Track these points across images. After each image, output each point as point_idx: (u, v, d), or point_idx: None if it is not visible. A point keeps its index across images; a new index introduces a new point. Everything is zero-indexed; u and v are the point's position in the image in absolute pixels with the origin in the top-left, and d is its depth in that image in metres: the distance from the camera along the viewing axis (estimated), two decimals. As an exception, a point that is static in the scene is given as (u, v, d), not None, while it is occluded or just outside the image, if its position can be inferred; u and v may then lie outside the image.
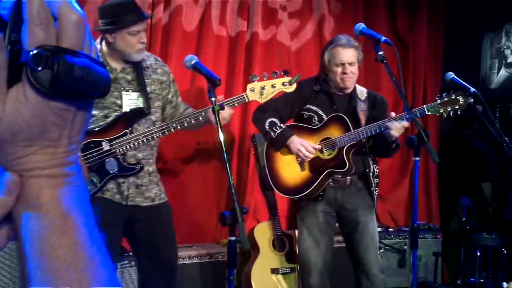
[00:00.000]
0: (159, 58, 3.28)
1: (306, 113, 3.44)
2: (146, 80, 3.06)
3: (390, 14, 5.57)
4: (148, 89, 3.05)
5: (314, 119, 3.41)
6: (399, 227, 5.34)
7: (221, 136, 2.47)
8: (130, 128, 2.94)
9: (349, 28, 3.60)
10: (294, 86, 3.02)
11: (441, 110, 3.22)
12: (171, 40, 4.35)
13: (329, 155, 3.40)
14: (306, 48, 5.08)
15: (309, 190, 3.37)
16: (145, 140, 2.93)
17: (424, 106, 3.27)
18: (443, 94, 3.24)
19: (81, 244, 0.57)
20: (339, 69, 3.32)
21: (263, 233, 4.21)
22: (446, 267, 5.43)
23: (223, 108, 3.17)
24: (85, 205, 0.60)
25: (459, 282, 5.10)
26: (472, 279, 5.01)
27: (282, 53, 4.97)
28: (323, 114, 3.41)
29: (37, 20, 0.54)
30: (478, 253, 4.89)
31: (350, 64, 3.31)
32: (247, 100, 3.00)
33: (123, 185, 2.99)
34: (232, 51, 4.68)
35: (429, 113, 3.25)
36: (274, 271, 4.12)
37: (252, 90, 2.96)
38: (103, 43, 2.99)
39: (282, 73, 3.01)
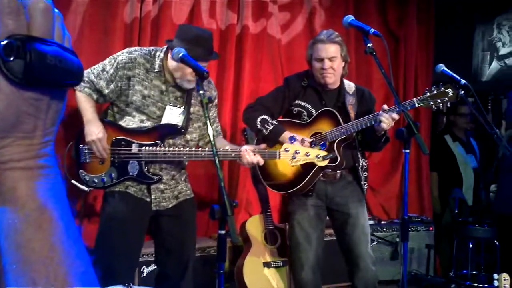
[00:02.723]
0: (212, 81, 3.31)
1: (296, 108, 3.43)
2: (192, 101, 3.13)
3: (381, 7, 5.57)
4: (192, 109, 3.13)
5: (304, 115, 3.40)
6: (391, 220, 5.36)
7: (210, 131, 2.45)
8: (162, 141, 3.00)
9: (340, 21, 3.58)
10: (326, 162, 3.08)
11: (431, 103, 3.23)
12: (161, 33, 4.32)
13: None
14: (296, 41, 5.08)
15: (300, 185, 3.36)
16: (171, 156, 2.98)
17: (414, 99, 3.28)
18: (433, 87, 3.26)
19: (58, 238, 0.57)
20: (319, 65, 3.32)
21: (255, 226, 4.21)
22: (438, 259, 5.45)
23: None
24: (61, 197, 0.60)
25: (451, 274, 5.12)
26: (464, 271, 5.03)
27: (273, 46, 4.96)
28: (312, 109, 3.40)
29: (7, 10, 0.53)
30: (471, 245, 4.91)
31: (330, 59, 3.30)
32: (278, 158, 3.07)
33: (143, 186, 3.06)
34: (222, 44, 4.66)
35: (419, 105, 3.26)
36: (266, 264, 4.12)
37: (286, 151, 3.02)
38: (168, 55, 3.03)
39: (320, 145, 3.14)
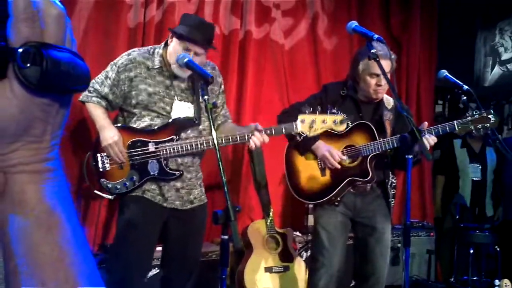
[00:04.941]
0: (216, 67, 3.31)
1: None
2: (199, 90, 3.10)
3: (384, 13, 5.58)
4: (201, 99, 3.06)
5: None
6: (392, 225, 5.33)
7: (214, 135, 2.45)
8: (177, 135, 2.99)
9: (342, 26, 3.59)
10: (344, 126, 2.99)
11: (471, 127, 3.17)
12: (164, 38, 4.28)
13: (351, 162, 3.33)
14: (299, 46, 5.08)
15: (328, 196, 3.31)
16: (189, 148, 2.96)
17: (454, 122, 3.19)
18: (474, 111, 3.18)
19: (66, 240, 0.58)
20: (374, 81, 3.21)
21: (256, 231, 4.21)
22: (439, 264, 5.44)
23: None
24: (67, 200, 0.61)
25: (452, 279, 5.12)
26: (465, 277, 5.03)
27: (276, 52, 4.96)
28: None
29: (23, 16, 0.54)
30: (471, 251, 4.91)
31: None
32: (295, 130, 2.97)
33: (164, 187, 3.04)
34: (226, 50, 4.67)
35: (459, 129, 3.17)
36: (268, 269, 4.12)
37: (302, 122, 2.94)
38: (167, 49, 3.05)
39: (335, 110, 3.05)
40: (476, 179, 5.41)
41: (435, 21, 5.86)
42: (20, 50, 0.53)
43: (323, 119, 2.93)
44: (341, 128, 2.99)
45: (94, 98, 3.02)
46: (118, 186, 2.95)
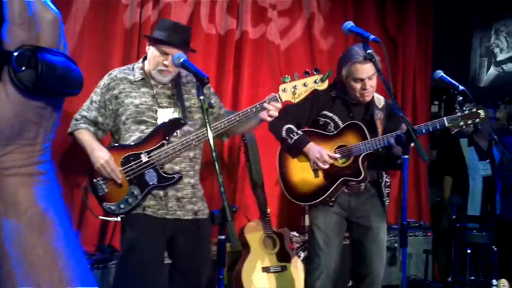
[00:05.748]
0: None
1: (322, 119, 3.36)
2: (185, 95, 3.09)
3: (380, 13, 5.59)
4: (187, 103, 3.08)
5: (330, 126, 3.34)
6: (389, 225, 5.34)
7: (210, 135, 2.45)
8: (167, 139, 2.95)
9: (338, 27, 3.60)
10: (326, 83, 2.94)
11: (461, 123, 3.16)
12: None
13: (343, 162, 3.33)
14: (295, 46, 5.09)
15: (322, 197, 3.31)
16: (182, 148, 2.93)
17: (444, 118, 3.20)
18: (464, 107, 3.17)
19: (59, 242, 0.58)
20: (358, 85, 3.23)
21: (253, 231, 4.20)
22: (436, 264, 5.45)
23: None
24: (59, 203, 0.61)
25: (449, 279, 5.12)
26: (462, 277, 5.03)
27: (272, 52, 4.97)
28: (339, 121, 3.33)
29: (19, 20, 0.54)
30: (469, 251, 4.91)
31: (369, 78, 3.20)
32: (280, 101, 2.91)
33: (165, 198, 3.00)
34: (222, 50, 4.67)
35: (449, 125, 3.17)
36: (265, 269, 4.11)
37: (284, 91, 2.90)
38: (145, 61, 3.06)
39: (314, 71, 2.97)
40: (487, 175, 5.40)
41: (431, 21, 5.88)
42: (16, 53, 0.53)
43: (303, 82, 2.91)
44: (324, 86, 2.95)
45: (82, 125, 3.00)
46: (122, 206, 2.91)
